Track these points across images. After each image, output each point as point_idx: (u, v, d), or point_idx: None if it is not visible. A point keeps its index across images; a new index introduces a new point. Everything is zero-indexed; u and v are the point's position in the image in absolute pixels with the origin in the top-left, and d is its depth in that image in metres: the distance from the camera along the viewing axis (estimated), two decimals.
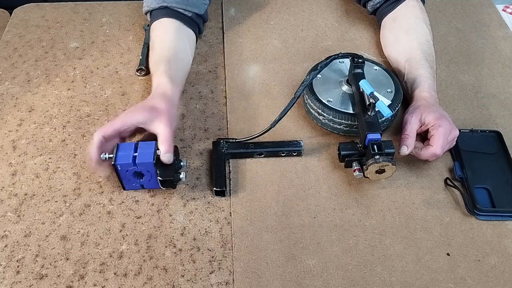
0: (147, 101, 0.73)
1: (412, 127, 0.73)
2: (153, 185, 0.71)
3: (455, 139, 0.75)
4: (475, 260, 0.66)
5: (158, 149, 0.68)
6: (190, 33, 0.88)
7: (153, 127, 0.70)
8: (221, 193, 0.72)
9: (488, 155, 0.77)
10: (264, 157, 0.77)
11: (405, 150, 0.72)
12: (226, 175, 0.74)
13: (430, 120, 0.73)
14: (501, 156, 0.77)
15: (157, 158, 0.68)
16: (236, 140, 0.77)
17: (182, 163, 0.72)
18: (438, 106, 0.77)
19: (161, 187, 0.71)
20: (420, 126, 0.74)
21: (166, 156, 0.67)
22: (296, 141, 0.77)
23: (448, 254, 0.67)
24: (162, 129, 0.69)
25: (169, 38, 0.83)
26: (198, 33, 0.91)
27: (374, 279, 0.64)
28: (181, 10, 0.85)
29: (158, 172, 0.68)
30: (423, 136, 0.77)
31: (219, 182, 0.72)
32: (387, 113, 0.70)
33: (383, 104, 0.70)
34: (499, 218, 0.71)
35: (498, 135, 0.80)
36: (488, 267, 0.66)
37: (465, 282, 0.64)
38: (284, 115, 0.75)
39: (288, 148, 0.76)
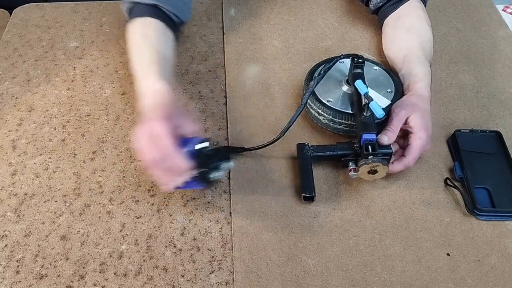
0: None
1: (397, 124, 0.72)
2: (195, 185, 0.68)
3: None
4: (475, 260, 0.66)
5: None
6: (173, 38, 0.83)
7: None
8: (310, 199, 0.69)
9: (488, 155, 0.77)
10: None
11: (385, 140, 0.70)
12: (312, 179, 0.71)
13: (415, 127, 0.72)
14: (501, 156, 0.77)
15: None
16: (258, 145, 0.75)
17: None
18: (427, 108, 0.75)
19: (205, 186, 0.68)
20: (404, 124, 0.73)
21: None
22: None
23: (448, 254, 0.67)
24: None
25: (159, 42, 0.78)
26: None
27: (374, 279, 0.64)
28: (171, 15, 0.81)
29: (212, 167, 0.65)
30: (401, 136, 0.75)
31: (307, 188, 0.69)
32: (379, 113, 0.70)
33: (377, 104, 0.70)
34: (499, 218, 0.71)
35: (498, 135, 0.80)
36: (488, 267, 0.66)
37: (465, 282, 0.64)
38: (293, 123, 0.74)
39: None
